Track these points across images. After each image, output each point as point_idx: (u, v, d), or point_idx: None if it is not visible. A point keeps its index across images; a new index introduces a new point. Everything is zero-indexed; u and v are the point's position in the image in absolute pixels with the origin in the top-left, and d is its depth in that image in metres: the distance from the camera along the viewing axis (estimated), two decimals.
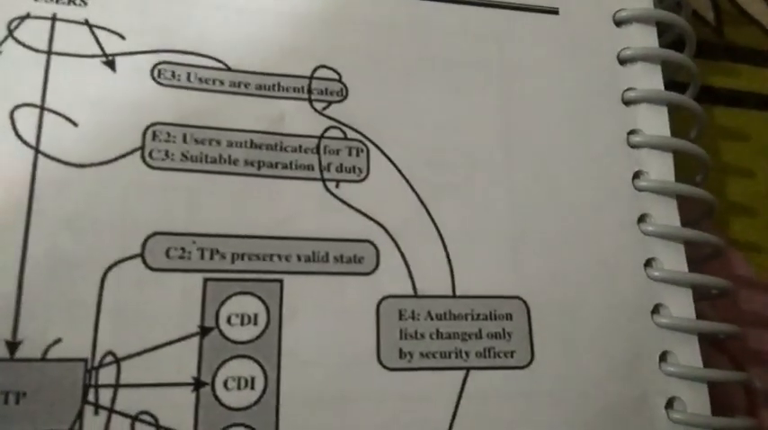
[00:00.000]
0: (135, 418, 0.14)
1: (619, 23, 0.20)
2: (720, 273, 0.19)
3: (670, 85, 0.20)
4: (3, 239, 0.14)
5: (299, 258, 0.16)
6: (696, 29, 0.23)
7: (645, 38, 0.20)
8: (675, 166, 0.19)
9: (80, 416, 0.14)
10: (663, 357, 0.17)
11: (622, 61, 0.19)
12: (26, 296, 0.14)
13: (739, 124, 0.23)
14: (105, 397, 0.14)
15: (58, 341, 0.14)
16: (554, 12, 0.19)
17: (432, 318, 0.16)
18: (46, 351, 0.14)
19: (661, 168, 0.18)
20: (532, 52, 0.19)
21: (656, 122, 0.19)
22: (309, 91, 0.17)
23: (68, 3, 0.16)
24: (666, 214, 0.18)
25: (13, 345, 0.14)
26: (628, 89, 0.19)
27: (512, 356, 0.16)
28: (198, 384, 0.14)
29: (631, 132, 0.19)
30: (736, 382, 0.18)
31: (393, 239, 0.16)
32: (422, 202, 0.17)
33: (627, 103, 0.19)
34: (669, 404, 0.17)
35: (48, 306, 0.14)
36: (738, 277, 0.21)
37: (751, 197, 0.22)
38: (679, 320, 0.17)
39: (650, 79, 0.19)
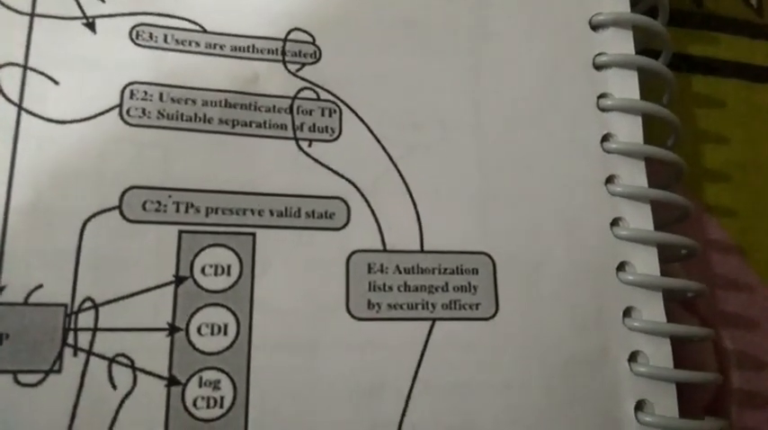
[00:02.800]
0: (112, 360, 0.15)
1: None
2: (694, 238, 0.20)
3: (645, 52, 0.21)
4: None
5: (271, 213, 0.16)
6: None
7: (617, 4, 0.20)
8: (649, 133, 0.19)
9: (60, 357, 0.15)
10: (627, 313, 0.18)
11: (594, 27, 0.20)
12: (9, 244, 0.15)
13: (716, 92, 0.24)
14: (84, 339, 0.15)
15: (39, 287, 0.15)
16: None
17: (400, 272, 0.17)
18: (28, 296, 0.15)
19: (630, 131, 0.19)
20: (505, 17, 0.19)
21: (625, 86, 0.20)
22: (283, 53, 0.18)
23: None
24: (634, 175, 0.19)
25: None
26: (599, 54, 0.20)
27: (477, 308, 0.17)
28: (173, 329, 0.15)
29: (601, 96, 0.19)
30: (700, 339, 0.18)
31: (364, 197, 0.17)
32: (392, 161, 0.18)
33: (598, 67, 0.20)
34: (632, 357, 0.18)
35: (29, 254, 0.15)
36: (712, 241, 0.22)
37: (725, 164, 0.23)
38: (643, 277, 0.18)
39: (621, 44, 0.20)
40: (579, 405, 0.17)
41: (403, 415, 0.16)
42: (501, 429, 0.16)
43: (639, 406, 0.17)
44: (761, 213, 0.22)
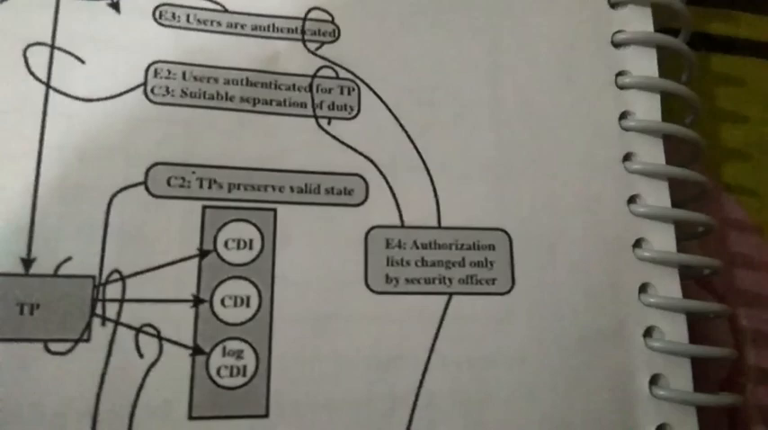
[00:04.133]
0: (139, 330, 0.15)
1: None
2: (712, 217, 0.20)
3: (664, 31, 0.21)
4: (18, 167, 0.16)
5: (291, 189, 0.17)
6: None
7: None
8: (667, 112, 0.20)
9: (88, 326, 0.15)
10: (643, 289, 0.18)
11: (613, 4, 0.20)
12: (39, 218, 0.16)
13: (736, 71, 0.24)
14: (112, 310, 0.15)
15: (68, 259, 0.15)
16: None
17: (417, 247, 0.17)
18: (57, 268, 0.15)
19: (648, 109, 0.20)
20: None
21: (644, 64, 0.20)
22: (303, 32, 0.18)
23: None
24: (651, 153, 0.19)
25: (27, 262, 0.15)
26: (618, 31, 0.20)
27: (493, 283, 0.17)
28: (197, 301, 0.16)
29: (620, 73, 0.20)
30: (716, 315, 0.19)
31: (382, 173, 0.18)
32: (410, 139, 0.18)
33: (616, 45, 0.20)
34: (647, 333, 0.18)
35: (59, 227, 0.16)
36: (730, 220, 0.22)
37: (745, 143, 0.23)
38: (659, 253, 0.18)
39: (640, 22, 0.20)
40: (594, 379, 0.17)
41: (420, 386, 0.16)
42: (516, 401, 0.17)
43: (654, 380, 0.18)
44: None
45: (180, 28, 0.17)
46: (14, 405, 0.15)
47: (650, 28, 0.20)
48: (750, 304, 0.22)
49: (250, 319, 0.16)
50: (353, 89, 0.18)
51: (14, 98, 0.16)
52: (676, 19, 0.21)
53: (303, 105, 0.18)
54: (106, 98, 0.17)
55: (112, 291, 0.16)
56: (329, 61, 0.18)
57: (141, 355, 0.15)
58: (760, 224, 0.22)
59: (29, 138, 0.16)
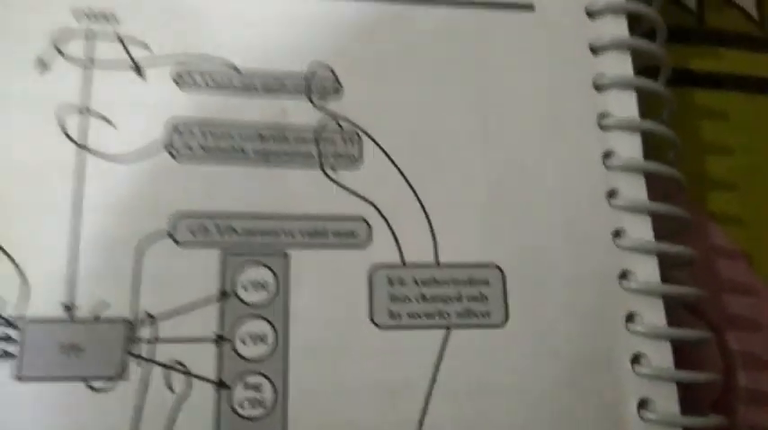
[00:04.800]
0: (170, 367, 0.17)
1: (591, 15, 0.22)
2: (699, 245, 0.21)
3: (646, 70, 0.23)
4: (59, 223, 0.18)
5: (302, 234, 0.19)
6: (677, 16, 0.25)
7: (616, 28, 0.22)
8: (654, 147, 0.21)
9: (125, 365, 0.17)
10: (629, 318, 0.20)
11: (594, 50, 0.22)
12: (81, 267, 0.18)
13: (719, 105, 0.25)
14: (145, 349, 0.17)
15: (106, 305, 0.18)
16: (529, 8, 0.22)
17: (417, 284, 0.19)
18: (96, 313, 0.17)
19: (630, 148, 0.21)
20: (509, 45, 0.22)
21: (625, 106, 0.22)
22: (309, 88, 0.20)
23: (102, 20, 0.20)
24: (634, 189, 0.21)
25: (70, 308, 0.17)
26: (599, 75, 0.22)
27: (488, 316, 0.19)
28: (220, 339, 0.18)
29: (602, 115, 0.21)
30: (699, 341, 0.20)
31: (384, 217, 0.20)
32: (409, 184, 0.20)
33: (598, 88, 0.22)
34: (635, 359, 0.20)
35: (97, 276, 0.18)
36: (718, 247, 0.24)
37: (730, 173, 0.25)
38: (644, 285, 0.20)
39: (620, 66, 0.22)
40: (586, 404, 0.19)
41: (423, 414, 0.18)
42: (512, 427, 0.18)
43: (642, 404, 0.19)
44: (765, 220, 0.24)
45: (198, 90, 0.20)
46: None
47: (630, 72, 0.22)
48: (739, 328, 0.23)
49: (267, 355, 0.18)
50: (356, 139, 0.20)
51: (54, 160, 0.18)
52: (656, 60, 0.23)
53: (310, 156, 0.20)
54: (135, 157, 0.19)
55: (145, 332, 0.18)
56: (333, 114, 0.20)
57: (172, 390, 0.17)
58: (746, 251, 0.24)
59: (67, 195, 0.18)
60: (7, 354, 0.17)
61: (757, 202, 0.24)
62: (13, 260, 0.18)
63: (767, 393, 0.22)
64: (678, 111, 0.23)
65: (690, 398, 0.20)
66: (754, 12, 0.27)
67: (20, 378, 0.17)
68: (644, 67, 0.23)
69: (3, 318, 0.17)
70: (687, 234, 0.22)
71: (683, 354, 0.20)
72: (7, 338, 0.17)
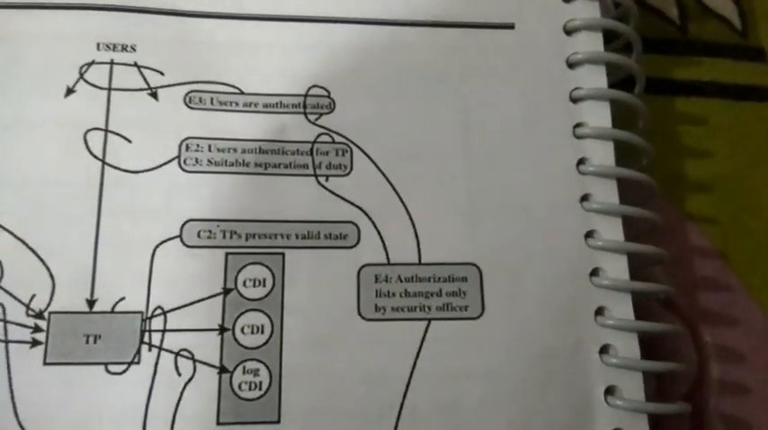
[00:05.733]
0: (177, 354, 0.20)
1: (569, 32, 0.24)
2: (677, 244, 0.23)
3: (628, 79, 0.24)
4: (81, 228, 0.21)
5: (296, 236, 0.21)
6: (660, 27, 0.27)
7: (592, 43, 0.24)
8: (629, 156, 0.23)
9: (139, 352, 0.20)
10: (599, 311, 0.22)
11: (571, 65, 0.24)
12: (100, 267, 0.20)
13: (698, 111, 0.27)
14: (156, 338, 0.20)
15: (122, 299, 0.20)
16: (510, 27, 0.24)
17: (401, 281, 0.21)
18: (114, 306, 0.20)
19: (603, 155, 0.23)
20: (490, 62, 0.24)
21: (599, 116, 0.23)
22: (305, 106, 0.23)
23: (122, 50, 0.22)
24: (606, 193, 0.23)
25: (91, 302, 0.20)
26: (575, 88, 0.24)
27: (466, 310, 0.21)
28: (222, 329, 0.20)
29: (577, 125, 0.23)
30: (665, 333, 0.22)
31: (371, 220, 0.22)
32: (395, 190, 0.22)
33: (574, 100, 0.24)
34: (603, 350, 0.21)
35: (114, 274, 0.20)
36: (694, 247, 0.25)
37: (707, 176, 0.26)
38: (613, 281, 0.22)
39: (595, 79, 0.24)
40: (555, 391, 0.21)
41: (404, 397, 0.20)
42: (486, 410, 0.20)
43: (609, 391, 0.21)
44: (740, 220, 0.25)
45: (206, 109, 0.22)
46: (82, 415, 0.19)
47: (604, 85, 0.24)
48: (713, 322, 0.24)
49: (264, 344, 0.20)
50: (347, 151, 0.22)
51: (78, 173, 0.21)
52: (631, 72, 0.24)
53: (305, 166, 0.22)
54: (149, 169, 0.21)
55: (156, 323, 0.20)
56: (326, 129, 0.22)
57: (179, 374, 0.20)
58: (722, 249, 0.25)
59: (90, 204, 0.21)
60: (36, 342, 0.20)
61: (734, 204, 0.26)
62: (42, 260, 0.20)
63: (738, 384, 0.23)
64: (660, 118, 0.24)
65: (664, 389, 0.21)
66: (736, 21, 0.28)
67: (47, 363, 0.20)
68: (625, 76, 0.25)
69: (33, 311, 0.20)
70: (665, 234, 0.24)
71: (660, 348, 0.22)
72: (36, 328, 0.20)
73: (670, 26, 0.28)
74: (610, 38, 0.25)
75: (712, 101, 0.27)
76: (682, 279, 0.24)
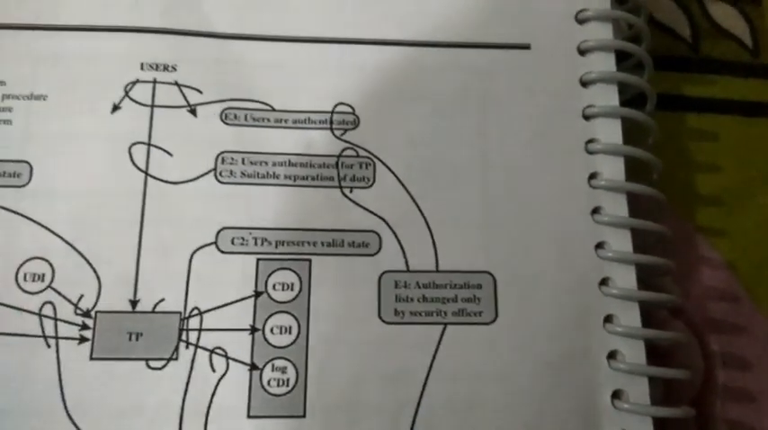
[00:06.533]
0: (212, 351, 0.22)
1: (582, 53, 0.26)
2: (687, 255, 0.24)
3: (638, 98, 0.26)
4: (126, 233, 0.22)
5: (322, 244, 0.23)
6: (673, 46, 0.28)
7: (604, 63, 0.25)
8: (641, 172, 0.24)
9: (177, 349, 0.22)
10: (607, 319, 0.23)
11: (584, 83, 0.25)
12: (142, 270, 0.22)
13: (710, 127, 0.28)
14: (193, 337, 0.22)
15: (162, 300, 0.22)
16: (526, 47, 0.25)
17: (419, 287, 0.23)
18: (155, 306, 0.22)
19: (613, 170, 0.24)
20: (507, 81, 0.25)
21: (610, 132, 0.25)
22: (331, 122, 0.24)
23: (164, 70, 0.24)
24: (616, 207, 0.24)
25: (134, 303, 0.22)
26: (588, 106, 0.25)
27: (480, 315, 0.22)
28: (253, 330, 0.22)
29: (589, 141, 0.25)
30: (670, 342, 0.23)
31: (392, 230, 0.23)
32: (414, 202, 0.24)
33: (587, 117, 0.25)
34: (611, 355, 0.22)
35: (155, 277, 0.22)
36: (703, 258, 0.26)
37: (717, 190, 0.27)
38: (621, 290, 0.23)
39: (607, 97, 0.25)
40: (564, 393, 0.22)
41: (421, 396, 0.22)
42: (499, 411, 0.22)
43: (616, 395, 0.22)
44: (749, 233, 0.26)
45: (240, 125, 0.24)
46: (125, 406, 0.21)
47: (616, 102, 0.25)
48: (720, 331, 0.25)
49: (292, 343, 0.22)
50: (370, 164, 0.24)
51: (123, 184, 0.23)
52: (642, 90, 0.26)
53: (331, 179, 0.24)
54: (187, 181, 0.23)
55: (193, 322, 0.22)
56: (351, 144, 0.24)
57: (214, 370, 0.21)
58: (730, 261, 0.26)
59: (134, 212, 0.23)
60: (84, 339, 0.22)
61: (742, 218, 0.27)
62: (90, 264, 0.22)
63: (742, 389, 0.24)
64: (672, 133, 0.25)
65: (671, 395, 0.23)
66: (748, 40, 0.29)
67: (93, 358, 0.21)
68: (638, 93, 0.26)
69: (81, 310, 0.22)
70: (676, 245, 0.25)
71: (668, 355, 0.23)
72: (84, 326, 0.22)
73: (683, 45, 0.29)
74: (623, 57, 0.26)
75: (723, 117, 0.28)
76: (691, 289, 0.25)
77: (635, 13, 0.26)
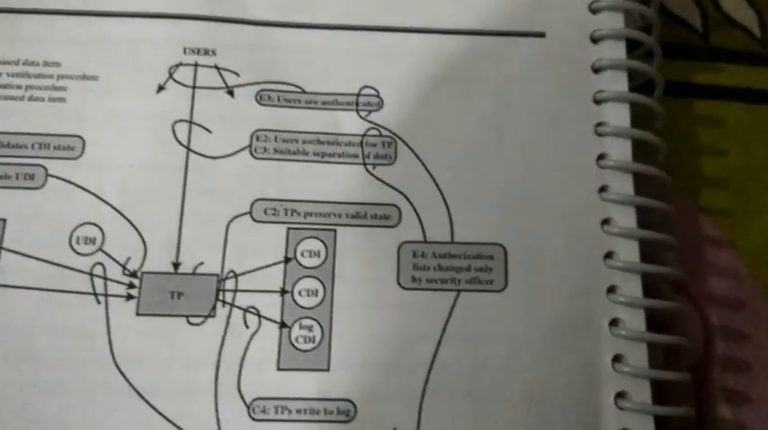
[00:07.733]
0: (246, 310, 0.24)
1: (595, 41, 0.27)
2: (690, 233, 0.26)
3: (648, 84, 0.27)
4: (169, 203, 0.25)
5: (347, 216, 0.25)
6: (684, 35, 0.30)
7: (615, 51, 0.27)
8: (648, 154, 0.26)
9: (214, 307, 0.24)
10: (611, 289, 0.24)
11: (596, 70, 0.27)
12: (184, 236, 0.24)
13: (717, 113, 0.29)
14: (228, 297, 0.24)
15: (201, 263, 0.24)
16: (541, 35, 0.27)
17: (435, 257, 0.25)
18: (195, 269, 0.24)
19: (621, 151, 0.26)
20: (523, 66, 0.27)
21: (619, 116, 0.26)
22: (357, 104, 0.26)
23: (205, 54, 0.26)
24: (623, 186, 0.25)
25: (176, 265, 0.24)
26: (599, 91, 0.26)
27: (491, 284, 0.24)
28: (283, 292, 0.24)
29: (599, 124, 0.26)
30: (668, 312, 0.25)
31: (411, 204, 0.25)
32: (433, 178, 0.25)
33: (597, 102, 0.26)
34: (613, 323, 0.24)
35: (196, 242, 0.24)
36: (705, 236, 0.28)
37: (722, 172, 0.28)
38: (625, 263, 0.24)
39: (617, 83, 0.26)
40: (567, 357, 0.24)
41: (434, 356, 0.24)
42: (506, 371, 0.23)
43: (617, 359, 0.24)
44: (751, 213, 0.28)
45: (273, 106, 0.26)
46: (167, 358, 0.23)
47: (625, 88, 0.26)
48: (720, 305, 0.27)
49: (318, 305, 0.24)
50: (392, 143, 0.26)
51: (167, 158, 0.25)
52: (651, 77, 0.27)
53: (356, 156, 0.26)
54: (225, 156, 0.25)
55: (229, 284, 0.24)
56: (375, 124, 0.26)
57: (247, 327, 0.24)
58: (732, 240, 0.28)
59: (176, 184, 0.25)
60: (130, 297, 0.24)
61: (745, 199, 0.28)
62: (137, 230, 0.25)
63: (738, 359, 0.26)
64: (681, 119, 0.27)
65: (670, 362, 0.24)
66: (756, 30, 0.30)
67: (139, 314, 0.24)
68: (648, 79, 0.27)
69: (128, 271, 0.24)
70: (680, 224, 0.26)
71: (671, 329, 0.24)
72: (131, 285, 0.24)
73: (694, 34, 0.30)
74: (635, 45, 0.27)
75: (730, 104, 0.29)
76: (693, 266, 0.27)
77: (646, 3, 0.28)
